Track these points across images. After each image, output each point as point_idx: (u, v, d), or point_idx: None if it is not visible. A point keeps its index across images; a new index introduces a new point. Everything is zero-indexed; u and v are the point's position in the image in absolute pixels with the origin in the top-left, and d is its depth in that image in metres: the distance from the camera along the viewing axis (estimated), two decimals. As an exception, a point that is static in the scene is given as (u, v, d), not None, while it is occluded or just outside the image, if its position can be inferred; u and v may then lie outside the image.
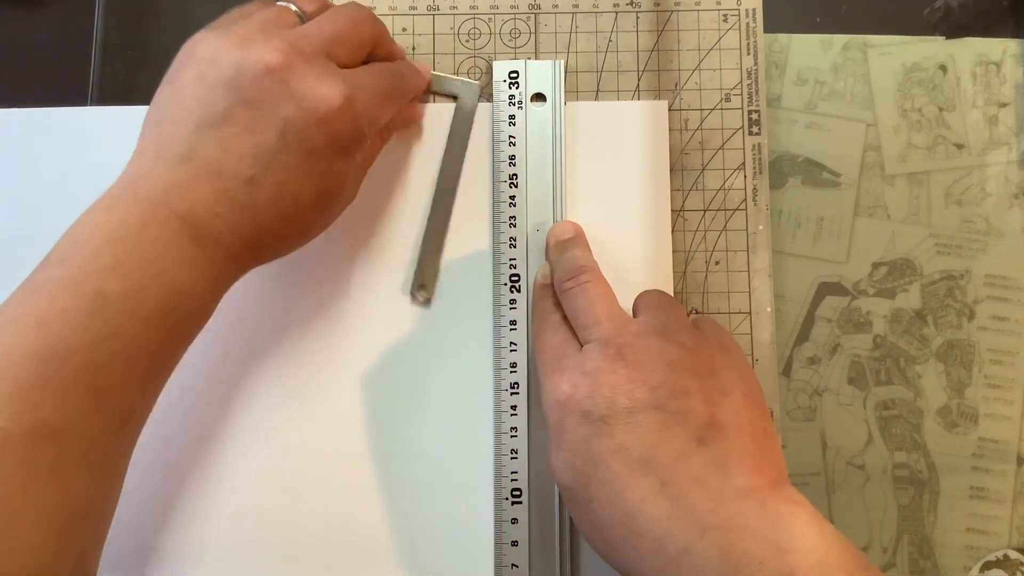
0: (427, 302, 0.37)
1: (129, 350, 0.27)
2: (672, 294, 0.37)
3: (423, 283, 0.37)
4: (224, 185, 0.29)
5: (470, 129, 0.38)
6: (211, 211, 0.29)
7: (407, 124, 0.38)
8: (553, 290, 0.34)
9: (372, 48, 0.34)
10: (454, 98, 0.39)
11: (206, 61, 0.30)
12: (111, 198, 0.29)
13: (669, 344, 0.30)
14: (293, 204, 0.30)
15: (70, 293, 0.27)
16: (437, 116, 0.39)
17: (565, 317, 0.33)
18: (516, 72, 0.38)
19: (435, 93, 0.39)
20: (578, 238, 0.35)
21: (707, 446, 0.28)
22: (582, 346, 0.31)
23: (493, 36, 0.40)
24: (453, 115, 0.38)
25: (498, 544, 0.35)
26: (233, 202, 0.29)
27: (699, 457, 0.27)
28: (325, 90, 0.30)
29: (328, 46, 0.31)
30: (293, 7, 0.33)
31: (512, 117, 0.38)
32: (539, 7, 0.40)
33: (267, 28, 0.31)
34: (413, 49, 0.40)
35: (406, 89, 0.36)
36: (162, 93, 0.31)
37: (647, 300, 0.33)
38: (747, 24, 0.40)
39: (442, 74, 0.39)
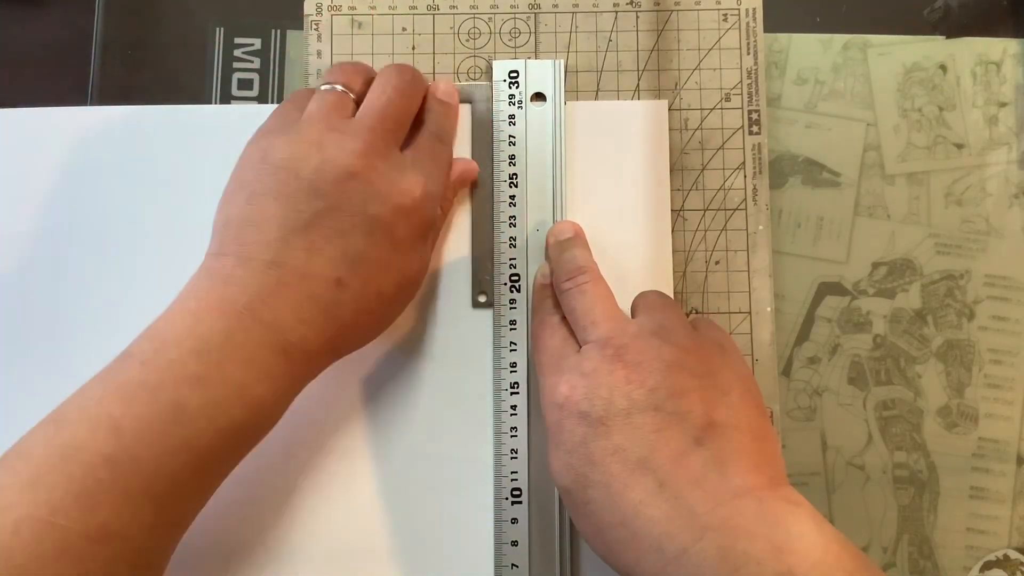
0: (488, 304, 0.37)
1: (198, 463, 0.27)
2: (672, 294, 0.37)
3: (483, 290, 0.37)
4: (311, 290, 0.29)
5: (491, 131, 0.38)
6: (296, 317, 0.29)
7: (465, 184, 0.38)
8: (553, 290, 0.34)
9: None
10: (467, 102, 0.39)
11: (284, 168, 0.30)
12: (195, 300, 0.29)
13: (667, 345, 0.30)
14: (376, 298, 0.31)
15: (149, 400, 0.27)
16: (458, 118, 0.38)
17: (564, 318, 0.33)
18: (516, 72, 0.38)
19: None
20: (577, 238, 0.35)
21: (705, 446, 0.28)
22: (580, 347, 0.31)
23: (493, 36, 0.40)
24: (471, 119, 0.38)
25: (498, 544, 0.35)
26: (318, 305, 0.29)
27: (697, 457, 0.27)
28: (405, 184, 0.31)
29: (392, 132, 0.33)
30: (341, 89, 0.34)
31: (512, 117, 0.38)
32: (539, 7, 0.40)
33: (333, 125, 0.32)
34: (413, 49, 0.40)
35: (452, 142, 0.37)
36: (236, 196, 0.31)
37: (645, 301, 0.33)
38: (747, 24, 0.40)
39: (470, 83, 0.39)
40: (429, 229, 0.33)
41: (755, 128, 0.39)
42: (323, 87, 0.34)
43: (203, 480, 0.28)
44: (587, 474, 0.28)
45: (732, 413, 0.29)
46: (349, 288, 0.30)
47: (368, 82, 0.35)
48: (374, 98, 0.33)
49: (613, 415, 0.28)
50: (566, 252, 0.34)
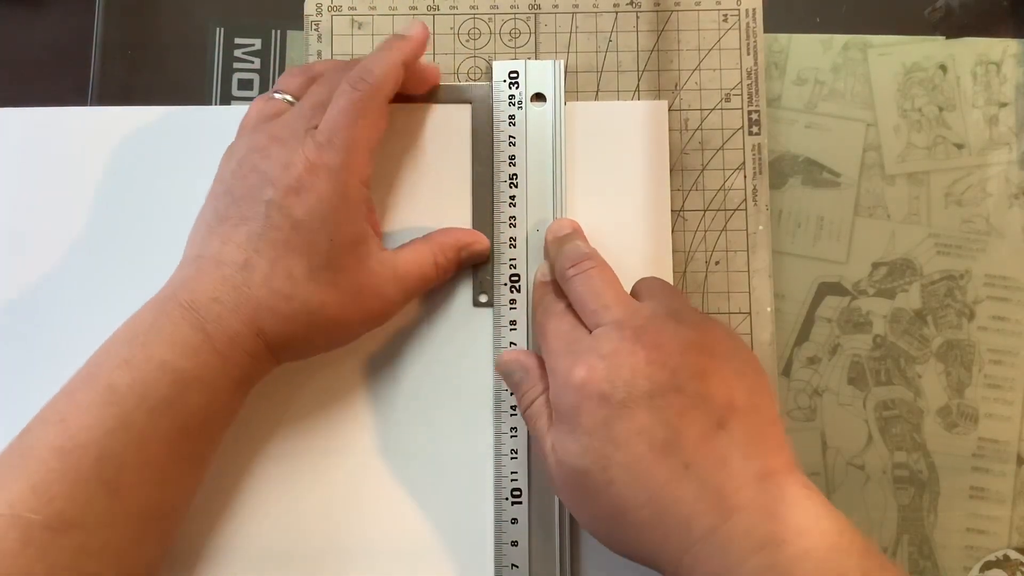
0: (489, 303, 0.37)
1: (140, 440, 0.28)
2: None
3: (483, 290, 0.37)
4: (223, 273, 0.31)
5: (491, 131, 0.38)
6: (210, 296, 0.30)
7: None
8: (554, 285, 0.34)
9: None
10: (467, 102, 0.39)
11: (219, 178, 0.33)
12: (142, 307, 0.31)
13: (682, 326, 0.30)
14: (287, 278, 0.31)
15: (86, 388, 0.29)
16: (458, 119, 0.38)
17: (569, 306, 0.33)
18: (516, 72, 0.38)
19: (448, 102, 0.39)
20: (575, 233, 0.35)
21: (727, 429, 0.28)
22: (591, 331, 0.31)
23: (493, 36, 0.40)
24: (471, 119, 0.38)
25: (498, 544, 0.35)
26: (229, 285, 0.31)
27: (721, 440, 0.28)
28: (291, 163, 0.31)
29: (307, 118, 0.33)
30: (278, 96, 0.35)
31: (512, 117, 0.38)
32: (539, 7, 0.40)
33: (253, 128, 0.34)
34: (413, 49, 0.40)
35: (379, 82, 0.33)
36: (199, 212, 0.34)
37: (649, 286, 0.33)
38: (747, 24, 0.40)
39: (450, 84, 0.39)
40: (338, 201, 0.31)
41: (755, 128, 0.39)
42: (270, 95, 0.35)
43: (154, 462, 0.29)
44: (609, 455, 0.28)
45: (749, 397, 0.29)
46: (257, 268, 0.31)
47: (308, 82, 0.35)
48: (306, 95, 0.34)
49: (636, 397, 0.28)
50: (567, 244, 0.34)
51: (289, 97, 0.35)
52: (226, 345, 0.30)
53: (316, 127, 0.32)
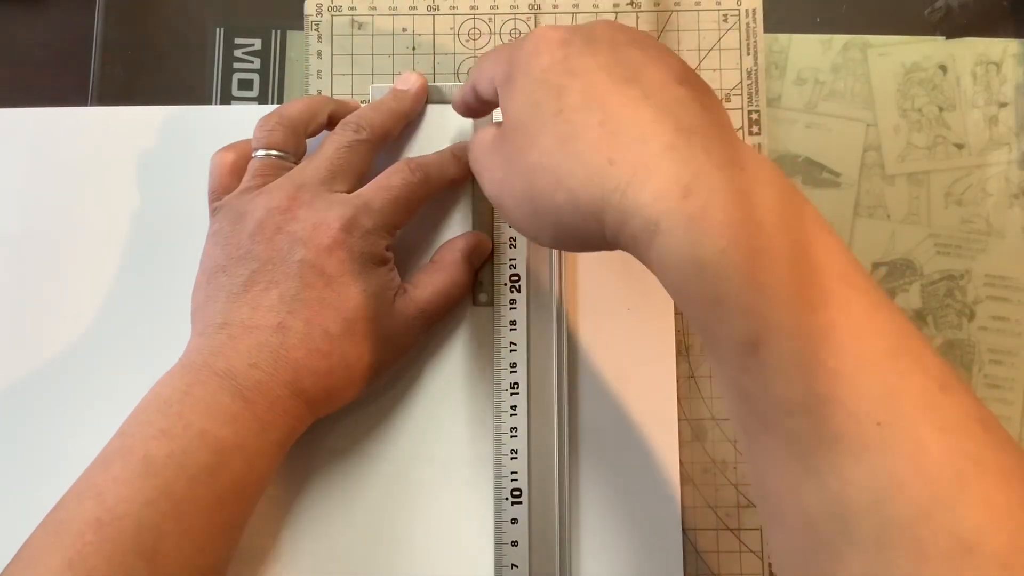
0: (489, 303, 0.37)
1: (178, 510, 0.28)
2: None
3: (483, 290, 0.37)
4: (257, 338, 0.31)
5: None
6: (247, 363, 0.30)
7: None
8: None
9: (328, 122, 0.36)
10: None
11: (229, 243, 0.32)
12: (167, 375, 0.31)
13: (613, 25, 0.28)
14: (324, 336, 0.31)
15: (122, 461, 0.29)
16: (458, 119, 0.38)
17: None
18: (516, 72, 0.38)
19: (448, 102, 0.39)
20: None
21: (687, 88, 0.26)
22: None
23: (493, 36, 0.40)
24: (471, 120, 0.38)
25: (498, 544, 0.35)
26: (266, 349, 0.31)
27: (683, 91, 0.25)
28: (323, 222, 0.32)
29: (326, 181, 0.33)
30: (276, 154, 0.34)
31: (512, 117, 0.38)
32: (539, 7, 0.40)
33: (261, 190, 0.33)
34: (413, 49, 0.40)
35: (427, 175, 0.35)
36: (200, 280, 0.33)
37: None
38: (747, 24, 0.40)
39: (449, 84, 0.39)
40: (367, 259, 0.32)
41: (755, 128, 0.39)
42: (255, 154, 0.35)
43: (192, 530, 0.29)
44: (565, 84, 0.26)
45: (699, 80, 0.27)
46: (292, 330, 0.31)
47: (291, 133, 0.35)
48: (315, 154, 0.34)
49: (599, 39, 0.27)
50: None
51: (277, 152, 0.34)
52: (266, 410, 0.30)
53: (346, 191, 0.33)
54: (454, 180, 0.36)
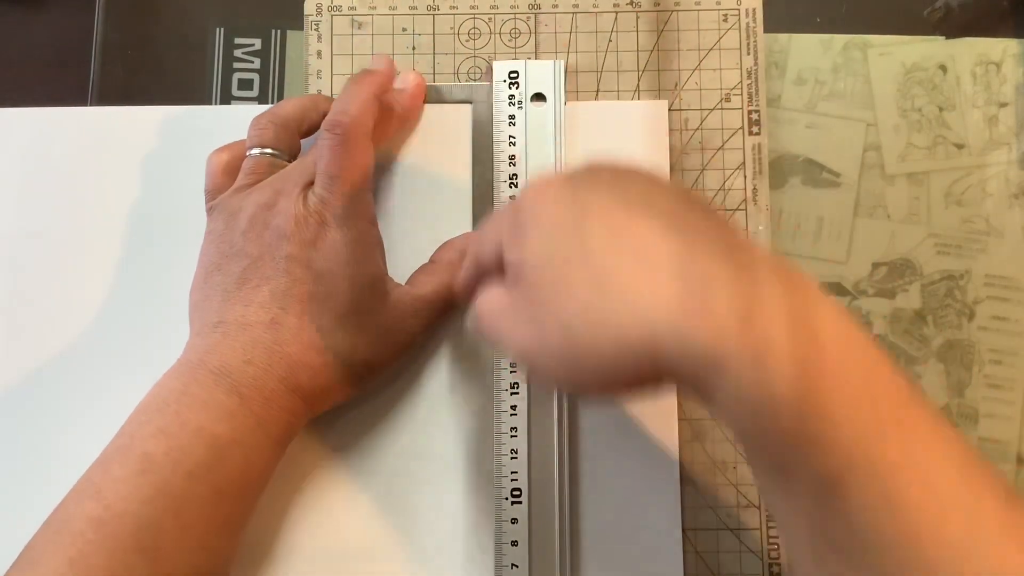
0: None
1: (177, 506, 0.28)
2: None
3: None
4: (251, 335, 0.31)
5: (491, 131, 0.38)
6: (242, 359, 0.30)
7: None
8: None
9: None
10: (467, 102, 0.39)
11: (224, 240, 0.33)
12: (165, 375, 0.31)
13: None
14: (316, 330, 0.32)
15: (120, 460, 0.29)
16: (458, 119, 0.38)
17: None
18: (516, 72, 0.38)
19: (448, 102, 0.39)
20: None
21: (698, 208, 0.26)
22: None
23: (493, 36, 0.40)
24: (472, 119, 0.38)
25: (498, 544, 0.35)
26: (260, 345, 0.31)
27: (695, 214, 0.25)
28: (296, 213, 0.32)
29: (308, 171, 0.33)
30: (270, 152, 0.34)
31: (512, 117, 0.38)
32: (539, 7, 0.40)
33: (253, 187, 0.33)
34: (413, 49, 0.40)
35: (355, 120, 0.33)
36: (196, 280, 0.33)
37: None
38: (747, 24, 0.40)
39: (449, 84, 0.39)
40: (355, 246, 0.32)
41: (755, 128, 0.39)
42: (248, 153, 0.35)
43: (192, 527, 0.29)
44: (583, 224, 0.25)
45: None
46: (285, 325, 0.31)
47: (283, 130, 0.35)
48: (307, 153, 0.34)
49: (597, 171, 0.27)
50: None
51: (270, 151, 0.34)
52: (262, 406, 0.30)
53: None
54: (376, 100, 0.34)
